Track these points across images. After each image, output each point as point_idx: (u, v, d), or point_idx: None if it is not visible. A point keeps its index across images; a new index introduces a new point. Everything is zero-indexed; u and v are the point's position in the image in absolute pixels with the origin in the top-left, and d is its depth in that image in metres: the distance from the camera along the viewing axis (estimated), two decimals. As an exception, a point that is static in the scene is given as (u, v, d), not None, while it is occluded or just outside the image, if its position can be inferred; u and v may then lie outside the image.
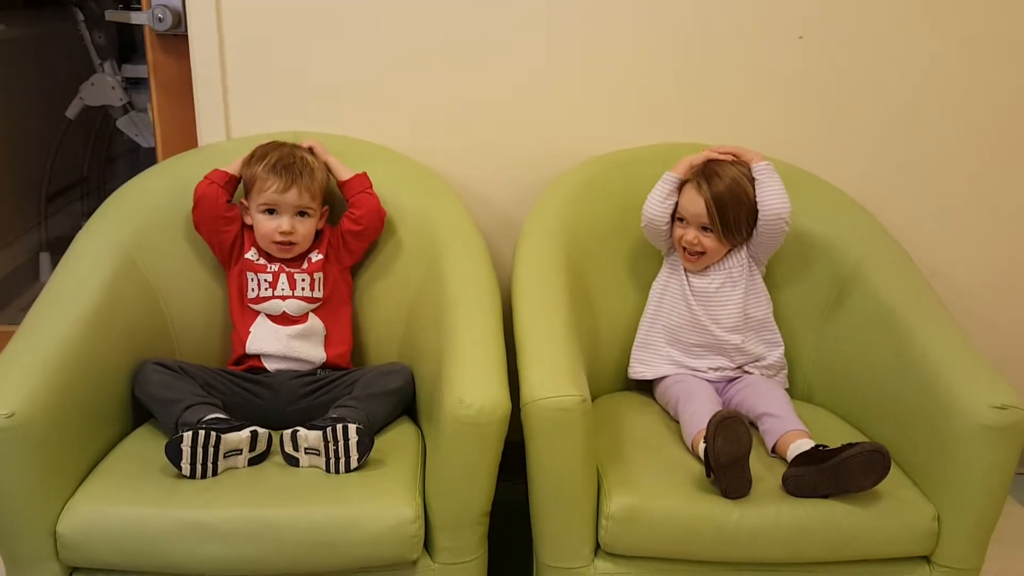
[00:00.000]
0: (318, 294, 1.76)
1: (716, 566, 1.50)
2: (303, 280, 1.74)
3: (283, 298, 1.74)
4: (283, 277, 1.74)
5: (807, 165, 1.97)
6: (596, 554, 1.50)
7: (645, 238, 1.84)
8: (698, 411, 1.58)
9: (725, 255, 1.79)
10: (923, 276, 1.78)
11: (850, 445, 1.45)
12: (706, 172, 1.74)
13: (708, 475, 1.49)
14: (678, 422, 1.67)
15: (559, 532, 1.49)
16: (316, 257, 1.77)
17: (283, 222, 1.72)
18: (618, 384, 1.87)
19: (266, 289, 1.74)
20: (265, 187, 1.70)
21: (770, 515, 1.45)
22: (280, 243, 1.73)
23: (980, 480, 1.46)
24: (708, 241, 1.75)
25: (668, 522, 1.46)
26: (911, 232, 1.97)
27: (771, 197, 1.72)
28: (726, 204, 1.72)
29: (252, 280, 1.75)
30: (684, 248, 1.77)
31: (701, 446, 1.51)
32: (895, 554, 1.51)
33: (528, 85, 1.95)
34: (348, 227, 1.77)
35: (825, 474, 1.45)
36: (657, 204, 1.76)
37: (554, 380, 1.44)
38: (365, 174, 1.79)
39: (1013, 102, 2.02)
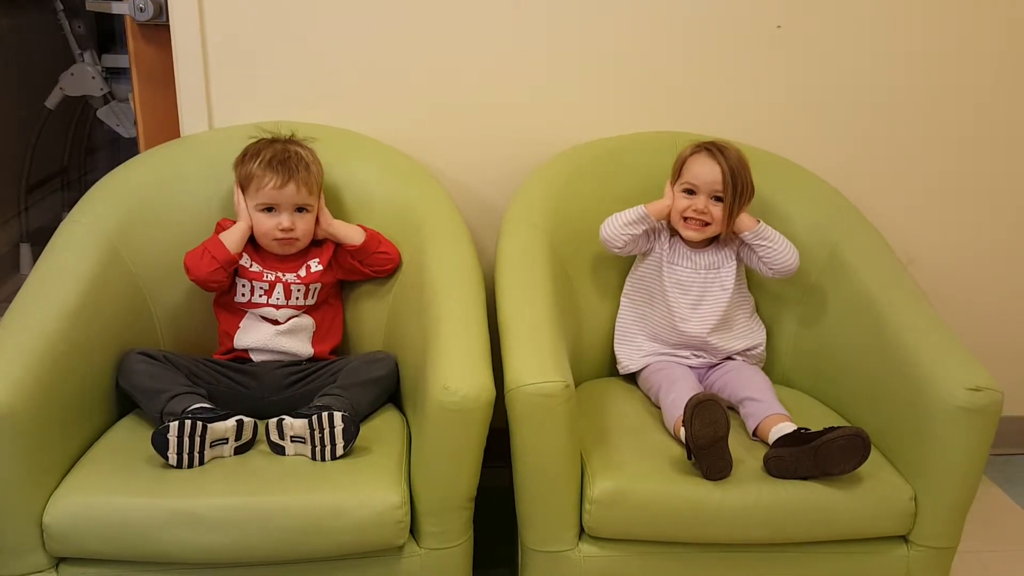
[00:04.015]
0: (311, 302, 1.76)
1: (699, 547, 1.53)
2: (299, 291, 1.74)
3: (276, 307, 1.74)
4: (279, 287, 1.73)
5: (787, 152, 1.99)
6: (580, 538, 1.52)
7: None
8: (679, 397, 1.60)
9: (717, 247, 1.79)
10: (900, 262, 1.81)
11: (831, 429, 1.47)
12: (713, 145, 1.74)
13: (689, 458, 1.51)
14: (660, 408, 1.69)
15: (543, 516, 1.51)
16: (316, 267, 1.76)
17: (283, 219, 1.70)
18: (601, 370, 1.89)
19: (260, 296, 1.74)
20: (263, 185, 1.68)
21: (750, 497, 1.47)
22: (281, 239, 1.72)
23: (956, 461, 1.49)
24: (716, 211, 1.73)
25: (651, 505, 1.48)
26: (889, 219, 2.00)
27: (785, 257, 1.73)
28: (737, 172, 1.72)
29: (244, 286, 1.74)
30: (687, 219, 1.75)
31: (682, 431, 1.53)
32: (873, 534, 1.54)
33: (512, 74, 1.96)
34: (368, 272, 1.77)
35: (805, 456, 1.47)
36: (617, 228, 1.75)
37: (538, 366, 1.46)
38: (374, 232, 1.77)
39: (990, 90, 2.05)
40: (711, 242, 1.81)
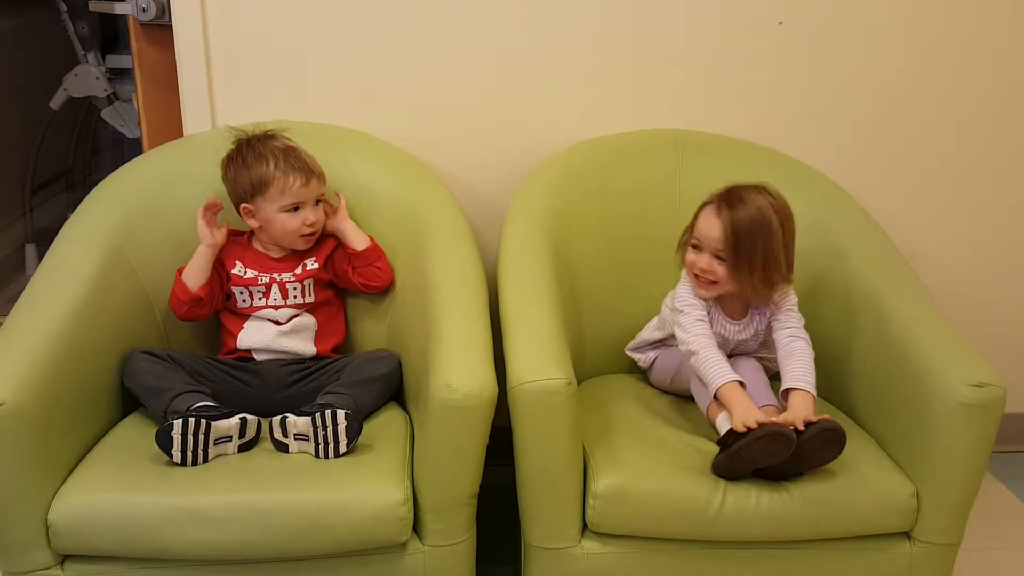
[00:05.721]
0: (310, 299, 1.77)
1: (701, 544, 1.53)
2: (295, 289, 1.75)
3: (275, 307, 1.74)
4: (275, 288, 1.74)
5: (789, 149, 1.99)
6: (583, 534, 1.52)
7: (628, 222, 1.86)
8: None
9: (755, 317, 1.69)
10: (903, 258, 1.81)
11: (806, 427, 1.46)
12: (729, 197, 1.59)
13: (719, 444, 1.49)
14: (672, 393, 1.71)
15: (547, 513, 1.51)
16: (312, 264, 1.76)
17: (308, 214, 1.72)
18: (604, 367, 1.89)
19: (259, 299, 1.75)
20: (288, 186, 1.68)
21: (753, 494, 1.48)
22: (307, 235, 1.73)
23: (958, 457, 1.49)
24: (720, 270, 1.60)
25: (654, 501, 1.48)
26: (891, 215, 2.00)
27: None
28: (743, 233, 1.56)
29: (242, 293, 1.75)
30: (696, 275, 1.64)
31: (721, 415, 1.53)
32: (876, 530, 1.54)
33: (512, 72, 1.96)
34: (357, 282, 1.77)
35: (789, 459, 1.47)
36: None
37: (540, 364, 1.46)
38: (375, 244, 1.77)
39: (993, 87, 2.05)
40: (747, 309, 1.69)
